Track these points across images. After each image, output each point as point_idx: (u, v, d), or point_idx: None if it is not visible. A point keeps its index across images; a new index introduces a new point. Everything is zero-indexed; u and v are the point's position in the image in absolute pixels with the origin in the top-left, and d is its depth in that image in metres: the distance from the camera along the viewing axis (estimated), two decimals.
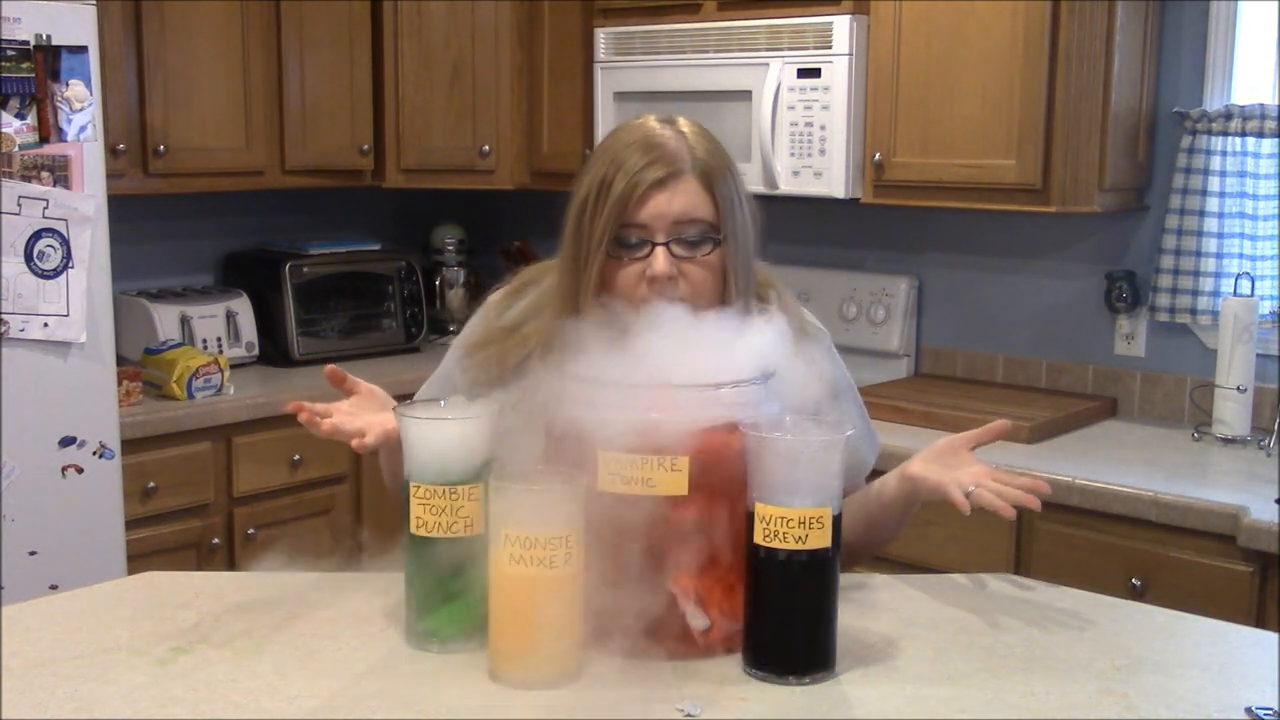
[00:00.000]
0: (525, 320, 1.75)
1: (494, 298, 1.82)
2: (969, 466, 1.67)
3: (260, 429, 3.32)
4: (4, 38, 2.64)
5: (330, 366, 1.65)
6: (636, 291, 1.62)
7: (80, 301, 2.77)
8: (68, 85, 2.72)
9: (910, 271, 3.55)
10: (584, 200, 1.64)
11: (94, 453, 2.83)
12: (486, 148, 3.79)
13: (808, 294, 3.56)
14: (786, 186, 3.28)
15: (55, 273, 2.73)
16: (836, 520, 1.41)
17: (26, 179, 2.69)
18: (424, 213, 4.36)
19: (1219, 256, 3.02)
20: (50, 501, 2.77)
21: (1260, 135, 2.92)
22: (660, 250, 1.61)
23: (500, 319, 1.78)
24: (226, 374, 3.33)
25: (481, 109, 3.78)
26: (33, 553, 2.75)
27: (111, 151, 3.16)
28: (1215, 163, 2.99)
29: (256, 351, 3.70)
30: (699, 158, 1.64)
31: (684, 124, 1.68)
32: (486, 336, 1.77)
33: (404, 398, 1.67)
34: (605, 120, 3.52)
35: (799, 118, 3.23)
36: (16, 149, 2.67)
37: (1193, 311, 3.05)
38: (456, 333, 1.92)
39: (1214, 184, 3.00)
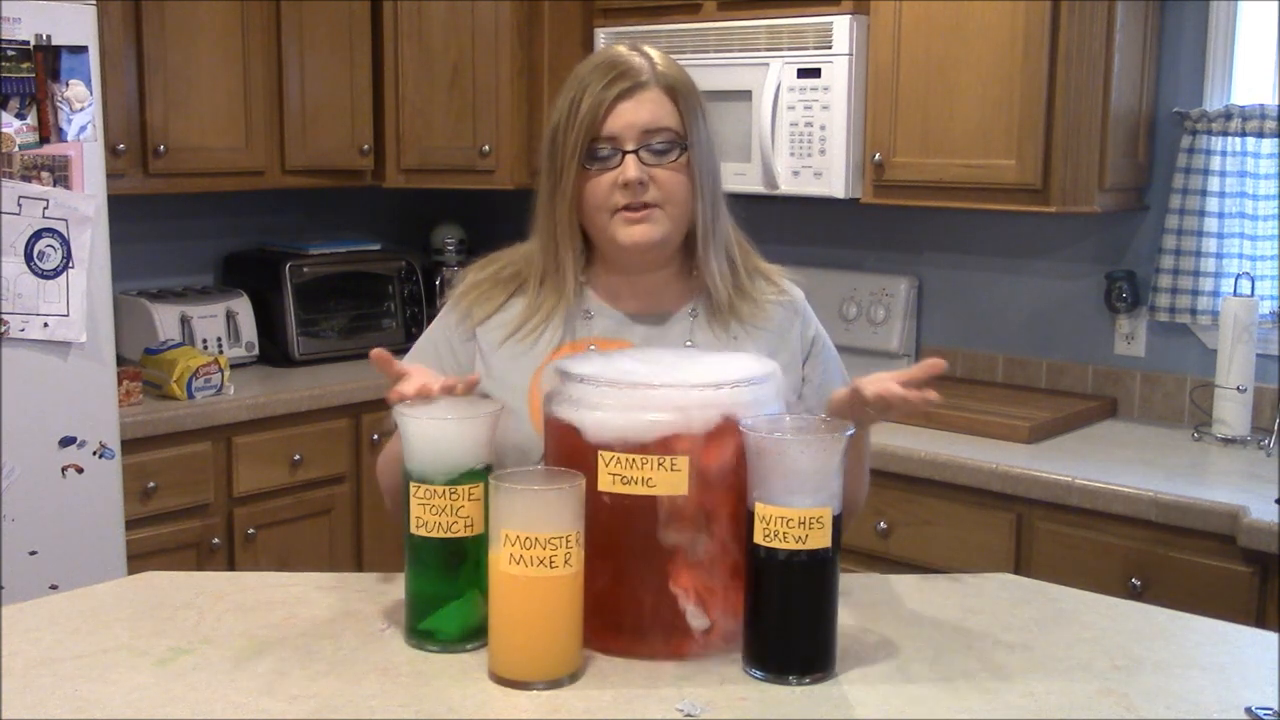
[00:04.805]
0: (510, 260, 1.83)
1: (475, 265, 1.87)
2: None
3: (260, 429, 3.32)
4: (4, 38, 2.63)
5: (377, 350, 1.59)
6: (610, 200, 1.71)
7: (80, 301, 2.77)
8: (68, 85, 2.72)
9: (910, 271, 3.55)
10: (556, 124, 1.73)
11: (94, 453, 2.83)
12: (486, 148, 3.79)
13: (808, 294, 3.56)
14: (786, 186, 3.28)
15: (55, 273, 2.73)
16: (837, 520, 1.41)
17: (26, 179, 2.69)
18: (424, 213, 4.36)
19: (1219, 256, 3.02)
20: (50, 501, 2.77)
21: (1260, 135, 2.92)
22: (630, 158, 1.70)
23: (483, 271, 1.85)
24: (226, 374, 3.33)
25: (481, 109, 3.78)
26: (33, 553, 2.75)
27: (111, 151, 3.15)
28: (1215, 163, 2.99)
29: (256, 351, 3.70)
30: (661, 71, 1.74)
31: (648, 48, 1.77)
32: (475, 280, 1.84)
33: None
34: None
35: (799, 118, 3.23)
36: (16, 149, 2.67)
37: (1193, 311, 3.05)
38: None
39: (1214, 184, 3.00)
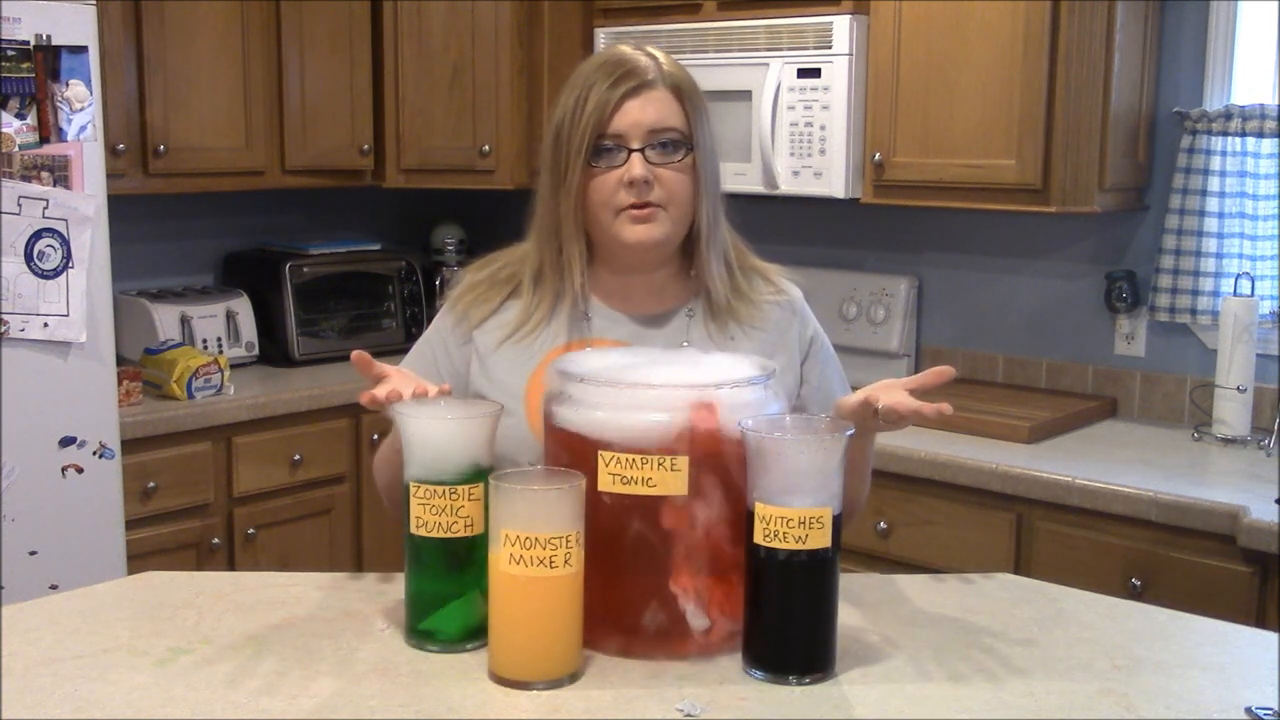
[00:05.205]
0: (508, 262, 1.83)
1: (472, 266, 1.87)
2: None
3: (260, 429, 3.32)
4: (4, 38, 2.63)
5: (357, 352, 1.60)
6: (614, 198, 1.70)
7: (80, 301, 2.77)
8: (68, 85, 2.72)
9: (910, 271, 3.55)
10: (560, 121, 1.72)
11: (94, 453, 2.83)
12: (486, 148, 3.79)
13: (807, 294, 3.56)
14: (786, 186, 3.28)
15: (55, 273, 2.73)
16: (836, 520, 1.41)
17: (26, 179, 2.69)
18: (424, 213, 4.36)
19: (1219, 256, 3.02)
20: (50, 501, 2.77)
21: (1260, 135, 2.92)
22: (636, 156, 1.69)
23: (480, 272, 1.85)
24: (226, 374, 3.33)
25: (481, 109, 3.78)
26: (33, 553, 2.75)
27: (111, 151, 3.15)
28: (1215, 163, 2.99)
29: (256, 351, 3.70)
30: (668, 72, 1.73)
31: (652, 49, 1.76)
32: (472, 281, 1.84)
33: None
34: None
35: (799, 118, 3.23)
36: (16, 149, 2.67)
37: (1193, 311, 3.05)
38: None
39: (1214, 184, 3.00)
